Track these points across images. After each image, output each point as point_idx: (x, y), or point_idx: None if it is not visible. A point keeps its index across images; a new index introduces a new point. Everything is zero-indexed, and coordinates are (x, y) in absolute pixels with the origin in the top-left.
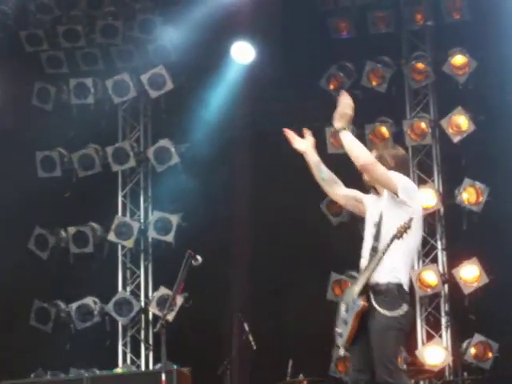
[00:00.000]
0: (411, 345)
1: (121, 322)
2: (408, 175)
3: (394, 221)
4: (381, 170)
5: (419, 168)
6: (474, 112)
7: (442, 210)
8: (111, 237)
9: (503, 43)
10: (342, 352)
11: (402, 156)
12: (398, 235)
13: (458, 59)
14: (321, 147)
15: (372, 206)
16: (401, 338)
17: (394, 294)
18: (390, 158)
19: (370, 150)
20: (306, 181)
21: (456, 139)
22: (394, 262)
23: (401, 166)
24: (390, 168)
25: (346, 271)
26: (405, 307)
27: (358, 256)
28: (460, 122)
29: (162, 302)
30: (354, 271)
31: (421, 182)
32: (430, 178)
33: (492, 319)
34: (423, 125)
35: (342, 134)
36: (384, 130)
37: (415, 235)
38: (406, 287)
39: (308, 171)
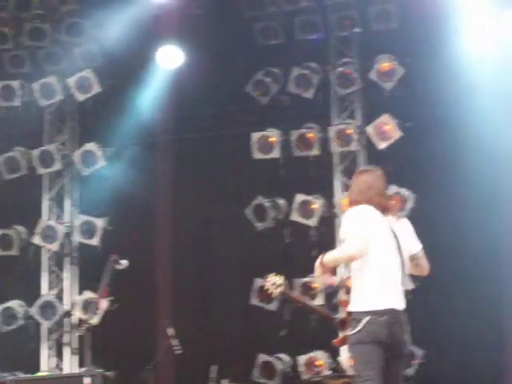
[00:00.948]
0: None
1: (45, 325)
2: (365, 198)
3: None
4: (344, 249)
5: (345, 174)
6: (401, 118)
7: None
8: (36, 240)
9: (430, 50)
10: None
11: (358, 184)
12: None
13: (385, 66)
14: (246, 152)
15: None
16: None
17: None
18: (351, 192)
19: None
20: (228, 188)
21: (382, 146)
22: None
23: (358, 194)
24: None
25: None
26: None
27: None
28: (386, 129)
29: (87, 306)
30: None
31: (346, 188)
32: None
33: (416, 326)
34: (349, 131)
35: (323, 261)
36: (310, 136)
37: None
38: None
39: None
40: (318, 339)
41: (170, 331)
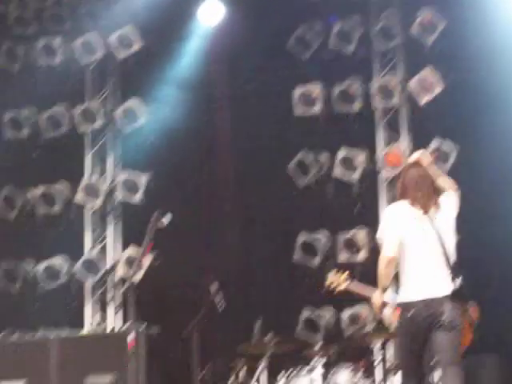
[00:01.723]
0: None
1: (88, 282)
2: (409, 182)
3: None
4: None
5: (387, 129)
6: (443, 72)
7: None
8: (79, 197)
9: (473, 2)
10: None
11: (406, 171)
12: None
13: (427, 19)
14: (288, 108)
15: None
16: None
17: None
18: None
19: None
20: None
21: (424, 100)
22: None
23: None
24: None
25: (314, 232)
26: None
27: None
28: (428, 82)
29: (130, 263)
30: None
31: (389, 142)
32: (398, 138)
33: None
34: (391, 86)
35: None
36: (352, 90)
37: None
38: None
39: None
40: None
41: (214, 287)
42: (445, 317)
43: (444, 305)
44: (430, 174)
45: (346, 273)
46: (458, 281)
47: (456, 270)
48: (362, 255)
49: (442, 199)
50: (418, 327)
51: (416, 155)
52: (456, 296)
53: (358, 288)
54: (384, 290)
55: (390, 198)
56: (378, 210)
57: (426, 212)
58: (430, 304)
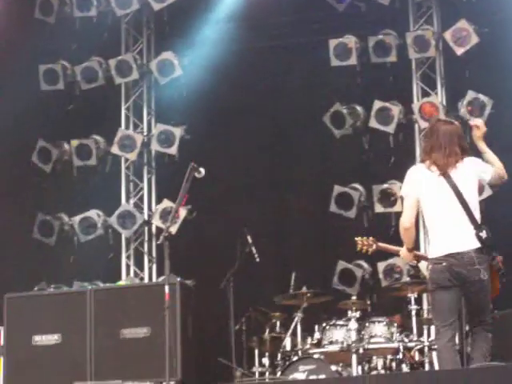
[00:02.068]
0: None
1: (124, 234)
2: (433, 143)
3: None
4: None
5: (423, 81)
6: (479, 24)
7: None
8: (114, 149)
9: None
10: None
11: (431, 129)
12: None
13: None
14: (324, 59)
15: None
16: None
17: None
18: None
19: None
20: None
21: (460, 51)
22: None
23: (430, 137)
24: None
25: (349, 184)
26: None
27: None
28: (464, 34)
29: (166, 215)
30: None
31: (424, 94)
32: (433, 90)
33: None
34: (427, 37)
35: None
36: (388, 42)
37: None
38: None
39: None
40: (396, 245)
41: (250, 239)
42: (478, 272)
43: (473, 258)
44: (460, 133)
45: (371, 238)
46: (484, 234)
47: (480, 224)
48: (397, 207)
49: (468, 163)
50: (451, 281)
51: (478, 122)
52: (482, 247)
53: (388, 247)
54: (409, 249)
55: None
56: (415, 162)
57: (444, 173)
58: (460, 258)
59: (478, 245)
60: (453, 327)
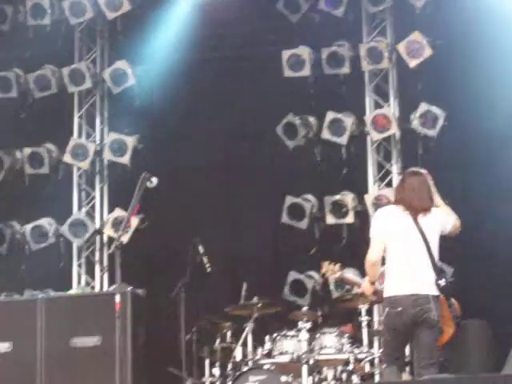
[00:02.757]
0: None
1: (75, 243)
2: (401, 194)
3: None
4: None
5: (376, 92)
6: (432, 36)
7: (397, 134)
8: (67, 158)
9: None
10: None
11: (402, 179)
12: None
13: None
14: (277, 70)
15: None
16: None
17: None
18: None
19: None
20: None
21: (412, 64)
22: None
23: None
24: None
25: (301, 195)
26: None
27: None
28: (417, 46)
29: (117, 224)
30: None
31: (377, 106)
32: (386, 102)
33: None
34: (380, 48)
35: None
36: (341, 53)
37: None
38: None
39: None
40: (347, 257)
41: (200, 249)
42: (432, 315)
43: (431, 303)
44: (428, 183)
45: (339, 264)
46: (442, 282)
47: (440, 272)
48: (349, 218)
49: (437, 211)
50: (405, 322)
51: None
52: (439, 295)
53: (350, 278)
54: (373, 282)
55: (377, 161)
56: (367, 174)
57: (415, 216)
58: (418, 300)
59: (436, 292)
60: (398, 361)
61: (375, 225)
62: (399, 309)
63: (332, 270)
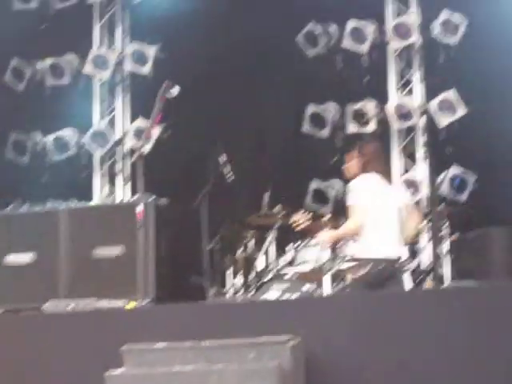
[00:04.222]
0: None
1: (97, 153)
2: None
3: None
4: (346, 228)
5: (397, 0)
6: None
7: (418, 42)
8: (88, 68)
9: None
10: None
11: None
12: None
13: None
14: None
15: None
16: None
17: None
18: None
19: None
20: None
21: None
22: None
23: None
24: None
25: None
26: None
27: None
28: None
29: (139, 134)
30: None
31: (400, 13)
32: (407, 10)
33: (469, 150)
34: None
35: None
36: None
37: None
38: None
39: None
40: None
41: (223, 158)
42: (399, 276)
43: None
44: None
45: (311, 214)
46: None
47: None
48: (370, 126)
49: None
50: (379, 281)
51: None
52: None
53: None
54: (337, 240)
55: (398, 69)
56: (387, 82)
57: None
58: (393, 263)
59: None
60: None
61: (358, 195)
62: (379, 266)
63: (301, 220)
